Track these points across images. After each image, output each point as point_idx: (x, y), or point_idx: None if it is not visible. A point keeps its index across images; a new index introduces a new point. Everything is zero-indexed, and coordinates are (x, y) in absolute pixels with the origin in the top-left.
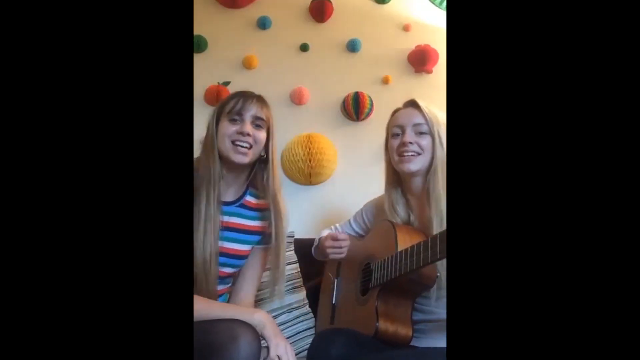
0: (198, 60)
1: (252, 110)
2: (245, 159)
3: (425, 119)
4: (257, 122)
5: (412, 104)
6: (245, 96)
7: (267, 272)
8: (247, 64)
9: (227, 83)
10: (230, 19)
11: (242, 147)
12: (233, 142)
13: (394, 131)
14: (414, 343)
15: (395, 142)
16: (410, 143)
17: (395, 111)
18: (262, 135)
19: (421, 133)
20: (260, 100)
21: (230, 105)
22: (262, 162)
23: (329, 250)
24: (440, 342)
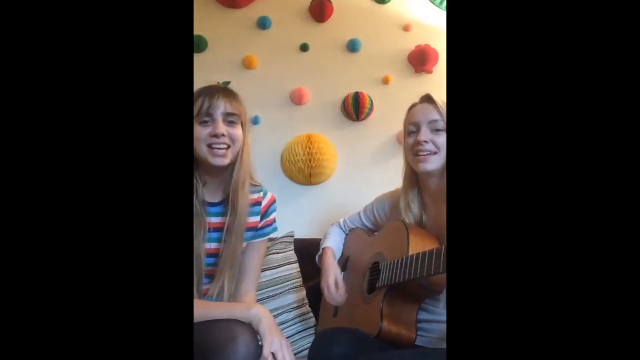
0: (198, 60)
1: (221, 107)
2: (225, 161)
3: (441, 115)
4: (230, 119)
5: (428, 99)
6: (211, 92)
7: (267, 272)
8: (247, 64)
9: (227, 83)
10: (230, 19)
11: (220, 149)
12: (209, 145)
13: (410, 129)
14: (418, 342)
15: (411, 140)
16: (425, 142)
17: (412, 107)
18: (237, 132)
19: (437, 130)
20: (227, 93)
21: (198, 105)
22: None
23: (324, 292)
24: (444, 342)
